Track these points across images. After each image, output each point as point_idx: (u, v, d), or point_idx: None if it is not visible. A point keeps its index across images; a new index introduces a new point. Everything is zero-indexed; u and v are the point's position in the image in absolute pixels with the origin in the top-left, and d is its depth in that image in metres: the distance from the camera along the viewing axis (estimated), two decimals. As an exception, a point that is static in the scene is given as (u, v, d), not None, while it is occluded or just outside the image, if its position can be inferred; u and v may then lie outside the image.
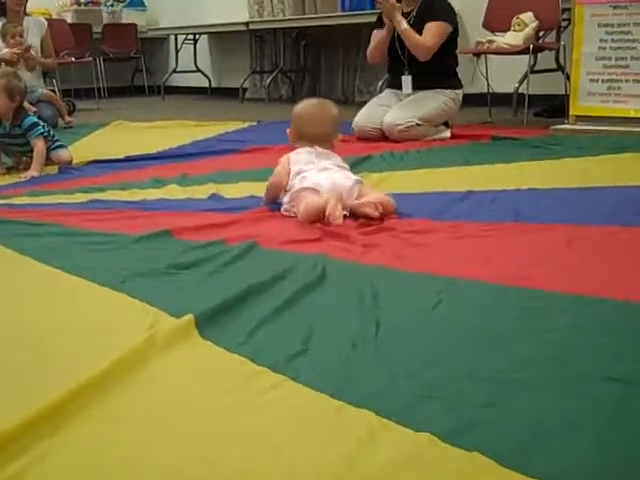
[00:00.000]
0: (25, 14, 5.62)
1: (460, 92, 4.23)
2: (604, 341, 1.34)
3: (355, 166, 3.15)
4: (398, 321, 1.46)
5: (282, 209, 2.42)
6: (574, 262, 1.81)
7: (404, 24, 4.01)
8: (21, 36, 5.34)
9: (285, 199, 2.43)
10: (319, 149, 2.53)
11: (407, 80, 4.23)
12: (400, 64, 4.23)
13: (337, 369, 1.25)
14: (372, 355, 1.31)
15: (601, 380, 1.18)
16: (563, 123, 4.33)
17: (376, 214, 2.23)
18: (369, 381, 1.21)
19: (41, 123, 3.54)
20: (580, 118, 4.26)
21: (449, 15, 4.12)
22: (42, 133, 3.49)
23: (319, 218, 2.23)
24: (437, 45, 4.03)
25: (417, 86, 4.18)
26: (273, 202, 2.51)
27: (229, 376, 1.25)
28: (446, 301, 1.56)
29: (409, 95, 4.21)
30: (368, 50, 4.36)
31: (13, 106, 3.44)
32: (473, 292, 1.63)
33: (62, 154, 3.58)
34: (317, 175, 2.40)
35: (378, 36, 4.24)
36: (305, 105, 2.65)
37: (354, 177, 2.43)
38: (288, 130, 2.65)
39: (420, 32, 4.03)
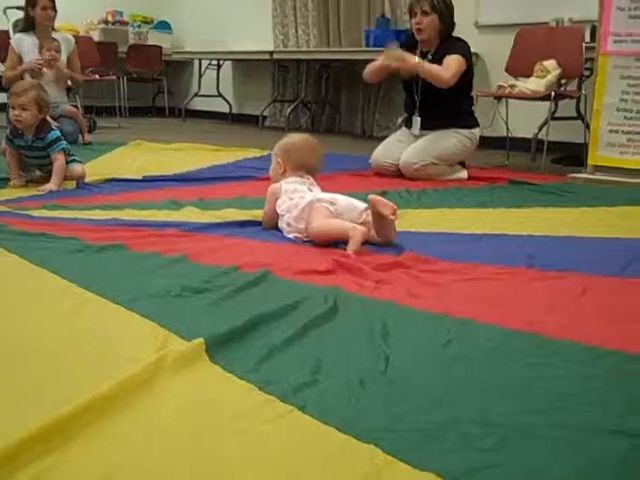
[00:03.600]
0: (53, 30, 5.70)
1: (476, 131, 4.25)
2: (613, 394, 1.33)
3: (371, 201, 3.16)
4: (407, 359, 1.46)
5: (288, 229, 2.51)
6: (586, 312, 1.81)
7: (415, 59, 4.04)
8: (57, 51, 5.41)
9: (293, 214, 2.49)
10: (311, 179, 2.65)
11: (417, 121, 4.29)
12: (413, 103, 4.26)
13: (344, 403, 1.25)
14: (380, 391, 1.31)
15: (607, 433, 1.18)
16: (581, 172, 4.34)
17: (392, 217, 2.32)
18: (376, 417, 1.21)
19: (63, 138, 3.57)
20: (598, 168, 4.26)
21: (467, 52, 4.17)
22: (64, 148, 3.52)
23: (333, 240, 2.35)
24: (458, 74, 4.05)
25: (433, 126, 4.20)
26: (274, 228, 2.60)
27: (236, 403, 1.25)
28: (456, 342, 1.56)
29: (421, 133, 4.23)
30: (366, 70, 4.36)
31: (40, 118, 3.47)
32: (484, 335, 1.62)
33: (76, 169, 3.59)
34: (329, 194, 2.51)
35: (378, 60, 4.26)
36: (302, 138, 2.79)
37: (364, 204, 2.50)
38: (278, 160, 2.73)
39: None
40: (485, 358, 1.49)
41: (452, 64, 4.05)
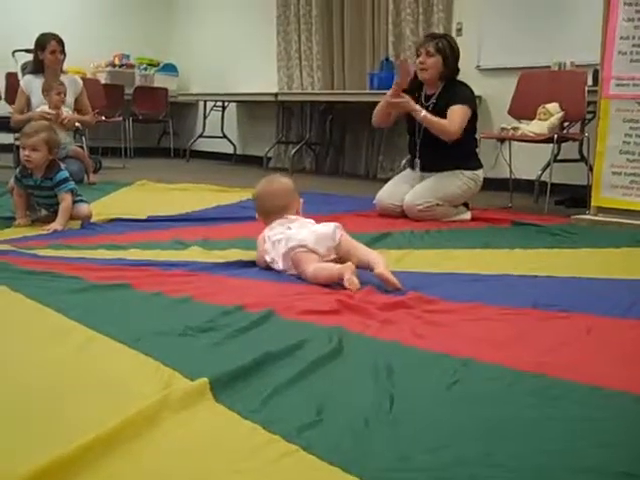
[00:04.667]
0: (62, 72, 5.77)
1: (480, 172, 4.27)
2: (620, 436, 1.32)
3: (375, 242, 3.18)
4: (412, 399, 1.45)
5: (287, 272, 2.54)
6: (592, 352, 1.81)
7: (422, 112, 4.08)
8: (64, 94, 5.46)
9: (279, 266, 2.55)
10: (290, 217, 2.68)
11: (418, 163, 4.33)
12: (415, 146, 4.31)
13: (349, 443, 1.24)
14: (385, 431, 1.30)
15: (615, 476, 1.16)
16: (584, 213, 4.35)
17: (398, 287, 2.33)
18: (381, 457, 1.20)
19: (71, 179, 3.60)
20: (601, 209, 4.28)
21: (471, 100, 4.22)
22: (71, 189, 3.54)
23: (329, 283, 2.37)
24: (462, 127, 4.09)
25: (437, 167, 4.23)
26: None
27: (240, 442, 1.25)
28: (462, 382, 1.55)
29: (425, 175, 4.25)
30: (374, 113, 4.41)
31: (49, 159, 3.50)
32: (489, 375, 1.62)
33: (82, 209, 3.60)
34: (298, 232, 2.54)
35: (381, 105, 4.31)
36: (259, 185, 2.83)
37: (332, 224, 2.55)
38: (257, 215, 2.81)
39: (441, 114, 4.10)
40: (491, 399, 1.48)
41: (457, 117, 4.09)
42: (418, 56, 4.21)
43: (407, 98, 4.09)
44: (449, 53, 4.15)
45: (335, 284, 2.36)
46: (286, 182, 2.81)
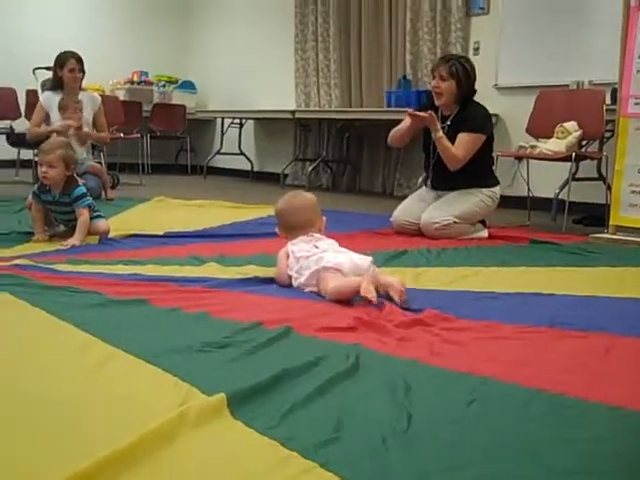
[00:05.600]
0: (81, 89, 5.82)
1: (497, 189, 4.27)
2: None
3: (391, 260, 3.18)
4: (430, 417, 1.45)
5: (302, 287, 2.54)
6: (611, 372, 1.79)
7: (440, 133, 4.09)
8: (81, 110, 5.52)
9: (301, 281, 2.55)
10: (314, 235, 2.66)
11: (429, 182, 4.38)
12: (431, 163, 4.31)
13: (367, 460, 1.24)
14: (402, 449, 1.29)
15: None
16: (603, 232, 4.33)
17: (398, 301, 2.34)
18: (398, 476, 1.19)
19: (88, 194, 3.63)
20: (620, 228, 4.26)
21: (484, 126, 4.21)
22: (89, 204, 3.56)
23: (350, 297, 2.37)
24: (467, 157, 4.10)
25: (453, 186, 4.23)
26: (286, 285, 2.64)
27: (258, 459, 1.25)
28: (479, 401, 1.54)
29: (442, 192, 4.26)
30: (391, 133, 4.42)
31: (67, 175, 3.53)
32: (507, 394, 1.61)
33: (100, 224, 3.64)
34: (335, 255, 2.53)
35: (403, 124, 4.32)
36: (282, 200, 2.82)
37: (368, 258, 2.55)
38: (277, 229, 2.81)
39: (455, 136, 4.11)
40: (509, 418, 1.47)
41: (463, 146, 4.10)
42: (434, 78, 4.22)
43: (432, 114, 4.09)
44: (463, 76, 4.14)
45: (354, 300, 2.36)
46: (311, 198, 2.82)
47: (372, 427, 1.37)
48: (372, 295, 2.29)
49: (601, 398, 1.59)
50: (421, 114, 4.13)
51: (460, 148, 4.09)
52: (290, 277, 2.62)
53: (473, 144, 4.12)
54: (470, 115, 4.17)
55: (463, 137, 4.11)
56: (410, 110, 4.26)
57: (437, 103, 4.21)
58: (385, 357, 1.83)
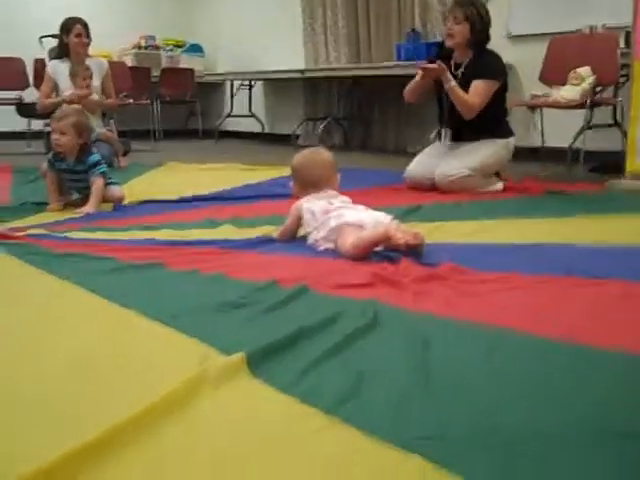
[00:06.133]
0: (87, 56, 5.78)
1: (512, 140, 4.22)
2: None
3: (406, 215, 3.15)
4: (449, 369, 1.44)
5: (317, 244, 2.54)
6: (628, 319, 1.78)
7: (452, 82, 4.03)
8: (91, 78, 5.48)
9: (320, 234, 2.52)
10: (330, 192, 2.65)
11: (446, 134, 4.30)
12: (445, 116, 4.26)
13: (388, 414, 1.24)
14: (423, 402, 1.29)
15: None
16: (619, 179, 4.28)
17: (401, 243, 2.33)
18: (420, 427, 1.19)
19: (103, 162, 3.62)
20: (637, 175, 4.20)
21: (498, 72, 4.14)
22: (103, 172, 3.56)
23: (371, 249, 2.36)
24: (483, 104, 4.04)
25: (467, 138, 4.19)
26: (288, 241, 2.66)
27: (279, 416, 1.25)
28: (497, 352, 1.54)
29: (456, 145, 4.22)
30: (405, 89, 4.38)
31: (79, 143, 3.52)
32: (524, 345, 1.60)
33: (115, 191, 3.65)
34: (356, 212, 2.52)
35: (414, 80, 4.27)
36: (300, 155, 2.80)
37: (389, 215, 2.53)
38: (291, 184, 2.79)
39: (469, 83, 4.06)
40: (528, 369, 1.46)
41: (478, 93, 4.04)
42: (447, 21, 4.16)
43: (442, 65, 4.04)
44: (477, 20, 4.09)
45: (370, 255, 2.35)
46: (328, 155, 2.80)
47: (392, 381, 1.37)
48: (401, 237, 2.30)
49: (618, 344, 1.58)
50: (431, 66, 4.07)
51: (475, 95, 4.04)
52: (295, 233, 2.64)
53: (488, 90, 4.06)
54: (484, 62, 4.12)
55: (478, 84, 4.05)
56: (420, 63, 4.20)
57: (448, 44, 4.15)
58: (402, 312, 1.82)
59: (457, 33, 4.10)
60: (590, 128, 4.95)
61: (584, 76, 4.79)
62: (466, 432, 1.17)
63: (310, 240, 2.57)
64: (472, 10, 4.09)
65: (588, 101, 4.73)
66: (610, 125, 5.12)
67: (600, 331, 1.68)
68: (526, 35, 6.05)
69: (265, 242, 2.67)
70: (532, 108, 5.16)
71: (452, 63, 4.17)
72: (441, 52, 4.33)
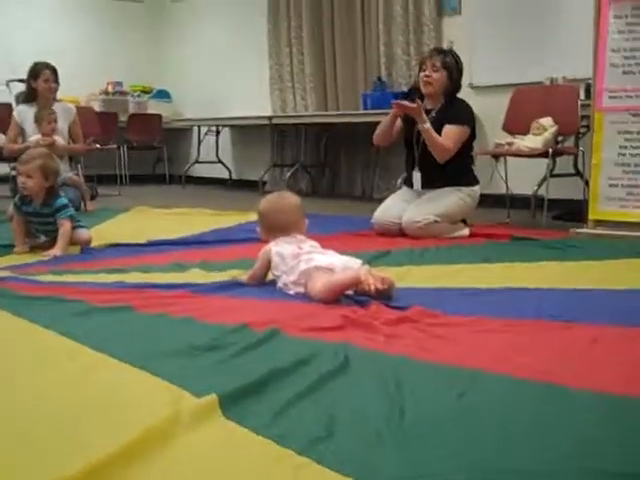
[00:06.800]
0: (56, 101, 5.78)
1: (477, 188, 4.28)
2: (631, 437, 1.32)
3: (375, 260, 3.17)
4: (422, 410, 1.45)
5: (287, 288, 2.54)
6: (598, 361, 1.81)
7: (427, 124, 4.08)
8: (55, 122, 5.46)
9: (290, 278, 2.52)
10: (298, 236, 2.66)
11: (417, 177, 4.31)
12: (413, 161, 4.31)
13: (362, 455, 1.24)
14: (397, 443, 1.29)
15: (629, 477, 1.16)
16: (582, 227, 4.35)
17: (372, 289, 2.33)
18: (394, 468, 1.19)
19: (70, 205, 3.61)
20: (599, 222, 4.28)
21: (469, 119, 4.23)
22: (71, 215, 3.55)
23: (341, 293, 2.38)
24: (456, 148, 4.11)
25: (434, 185, 4.24)
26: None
27: (253, 457, 1.24)
28: (470, 393, 1.55)
29: (422, 192, 4.26)
30: (375, 133, 4.43)
31: (46, 186, 3.51)
32: (497, 386, 1.61)
33: (83, 233, 3.64)
34: (326, 257, 2.54)
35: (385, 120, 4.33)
36: (266, 200, 2.82)
37: (358, 260, 2.55)
38: (258, 229, 2.79)
39: (440, 129, 4.12)
40: (501, 408, 1.48)
41: (452, 136, 4.11)
42: (421, 70, 4.23)
43: (419, 103, 4.09)
44: (454, 68, 4.18)
45: (340, 299, 2.36)
46: (295, 199, 2.80)
47: (365, 422, 1.38)
48: (372, 282, 2.31)
49: (592, 386, 1.60)
50: (408, 104, 4.12)
51: (447, 139, 4.10)
52: (264, 277, 2.65)
53: (460, 136, 4.14)
54: (455, 109, 4.20)
55: (450, 129, 4.12)
56: (397, 101, 4.24)
57: (425, 91, 4.21)
58: (374, 354, 1.83)
59: (435, 81, 4.17)
60: (553, 177, 5.05)
61: (546, 126, 4.89)
62: (440, 472, 1.18)
63: (279, 284, 2.58)
64: (450, 58, 4.19)
65: (550, 150, 4.82)
66: (572, 174, 5.22)
67: (572, 372, 1.70)
68: (489, 86, 6.17)
69: (234, 286, 2.67)
70: (496, 157, 5.24)
71: (422, 107, 4.23)
72: (408, 97, 4.39)
